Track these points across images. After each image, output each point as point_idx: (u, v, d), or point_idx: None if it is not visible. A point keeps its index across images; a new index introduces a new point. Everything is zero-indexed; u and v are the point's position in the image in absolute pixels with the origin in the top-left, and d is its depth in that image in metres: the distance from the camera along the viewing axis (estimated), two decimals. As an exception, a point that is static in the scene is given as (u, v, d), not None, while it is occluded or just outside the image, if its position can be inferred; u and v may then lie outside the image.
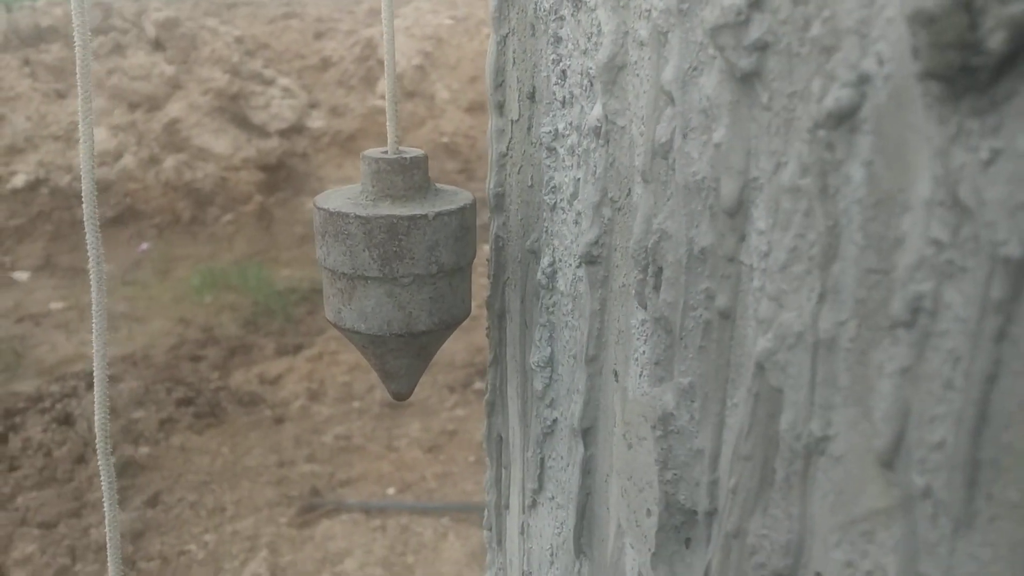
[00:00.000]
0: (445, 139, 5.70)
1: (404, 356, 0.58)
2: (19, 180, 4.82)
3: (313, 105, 5.84)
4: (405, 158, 0.56)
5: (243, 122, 5.43)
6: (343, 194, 0.57)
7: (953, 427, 0.27)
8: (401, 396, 0.60)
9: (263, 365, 3.69)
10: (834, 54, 0.30)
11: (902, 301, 0.28)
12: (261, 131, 5.45)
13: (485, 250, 0.65)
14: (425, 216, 0.54)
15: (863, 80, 0.29)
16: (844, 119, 0.30)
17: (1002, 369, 0.26)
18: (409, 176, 0.56)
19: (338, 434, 3.20)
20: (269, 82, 5.76)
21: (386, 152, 0.57)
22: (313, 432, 3.23)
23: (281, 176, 5.32)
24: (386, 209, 0.54)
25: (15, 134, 5.03)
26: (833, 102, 0.30)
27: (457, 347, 3.61)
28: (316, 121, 5.69)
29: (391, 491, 2.90)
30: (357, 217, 0.53)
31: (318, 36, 6.62)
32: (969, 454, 0.27)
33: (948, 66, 0.25)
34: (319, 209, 0.55)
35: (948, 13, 0.24)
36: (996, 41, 0.24)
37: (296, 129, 5.57)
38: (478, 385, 3.47)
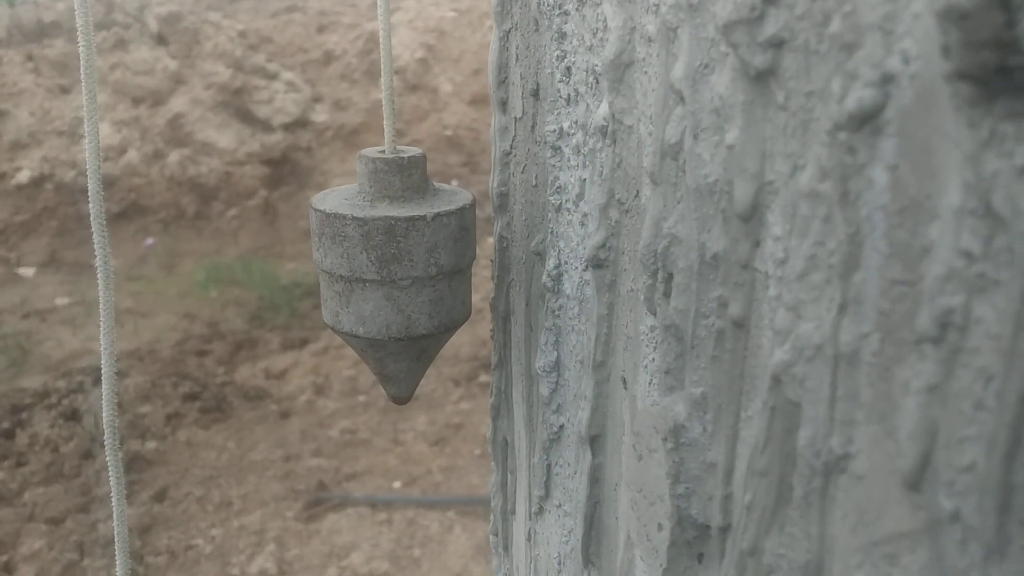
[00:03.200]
0: (448, 132, 5.67)
1: (403, 360, 0.56)
2: (23, 176, 4.81)
3: (317, 99, 5.82)
4: (403, 158, 0.54)
5: (247, 116, 5.41)
6: (340, 194, 0.56)
7: (984, 449, 0.26)
8: (401, 400, 0.59)
9: (269, 360, 3.68)
10: (855, 52, 0.29)
11: (929, 315, 0.27)
12: (265, 125, 5.43)
13: (489, 243, 0.63)
14: (423, 217, 0.52)
15: (887, 80, 0.28)
16: (866, 121, 0.28)
17: (1039, 390, 0.24)
18: (407, 176, 0.54)
19: (344, 428, 3.20)
20: (272, 76, 5.74)
21: (383, 151, 0.55)
22: (319, 426, 3.22)
23: (285, 170, 5.31)
24: (384, 210, 0.52)
25: (19, 130, 5.02)
26: (855, 103, 0.29)
27: (462, 340, 3.60)
28: (320, 115, 5.67)
29: (397, 485, 2.89)
30: (354, 219, 0.52)
31: (321, 30, 6.59)
32: (1002, 478, 0.26)
33: (982, 66, 0.23)
34: (315, 210, 0.54)
35: (983, 9, 0.23)
36: (1035, 40, 0.22)
37: (300, 123, 5.55)
38: (483, 378, 3.46)
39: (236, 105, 5.40)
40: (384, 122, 0.57)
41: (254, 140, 5.27)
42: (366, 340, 0.54)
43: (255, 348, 3.79)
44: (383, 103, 0.57)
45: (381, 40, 0.56)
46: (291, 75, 5.87)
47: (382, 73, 0.56)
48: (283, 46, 6.34)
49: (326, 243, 0.53)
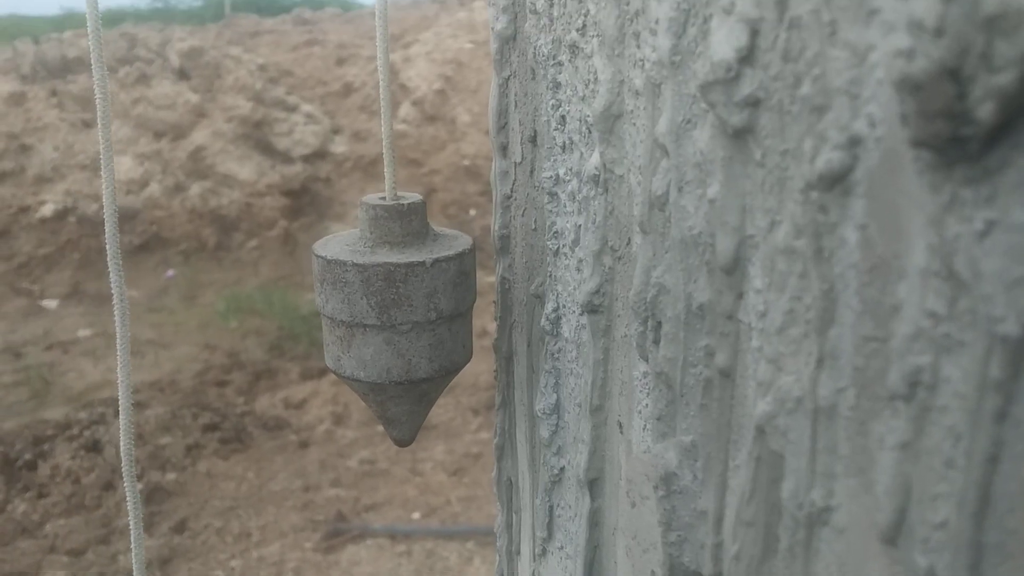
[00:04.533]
0: (467, 162, 5.71)
1: (405, 403, 0.57)
2: (47, 209, 4.89)
3: (336, 130, 5.89)
4: (403, 204, 0.55)
5: (267, 148, 5.48)
6: (342, 240, 0.57)
7: (956, 507, 0.26)
8: (403, 443, 0.59)
9: (288, 389, 3.70)
10: (825, 114, 0.29)
11: (899, 373, 0.27)
12: (285, 157, 5.49)
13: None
14: (423, 263, 0.53)
15: (854, 142, 0.28)
16: (836, 181, 0.29)
17: (1004, 451, 0.25)
18: (407, 222, 0.55)
19: (363, 458, 3.20)
20: (292, 108, 5.81)
21: (384, 198, 0.57)
22: (338, 456, 3.23)
23: (305, 201, 5.36)
24: (383, 256, 0.53)
25: (43, 164, 5.11)
26: (825, 164, 0.29)
27: (480, 368, 3.60)
28: (339, 146, 5.73)
29: (416, 515, 2.89)
30: (354, 265, 0.53)
31: (340, 62, 6.68)
32: (973, 536, 0.26)
33: (937, 136, 0.24)
34: (317, 256, 0.55)
35: (935, 81, 0.23)
36: (985, 112, 0.22)
37: (319, 154, 5.61)
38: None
39: (256, 137, 5.47)
40: (384, 169, 0.58)
41: (274, 172, 5.33)
42: (367, 384, 0.55)
43: (275, 378, 3.81)
44: (384, 151, 0.58)
45: (381, 91, 0.57)
46: (311, 107, 5.94)
47: (382, 122, 0.58)
48: (303, 79, 6.42)
49: (327, 289, 0.54)
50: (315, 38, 7.18)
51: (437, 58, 6.37)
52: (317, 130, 5.69)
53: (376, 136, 5.88)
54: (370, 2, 9.16)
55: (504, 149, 0.61)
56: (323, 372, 3.80)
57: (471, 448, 3.23)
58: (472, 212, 5.42)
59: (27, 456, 3.10)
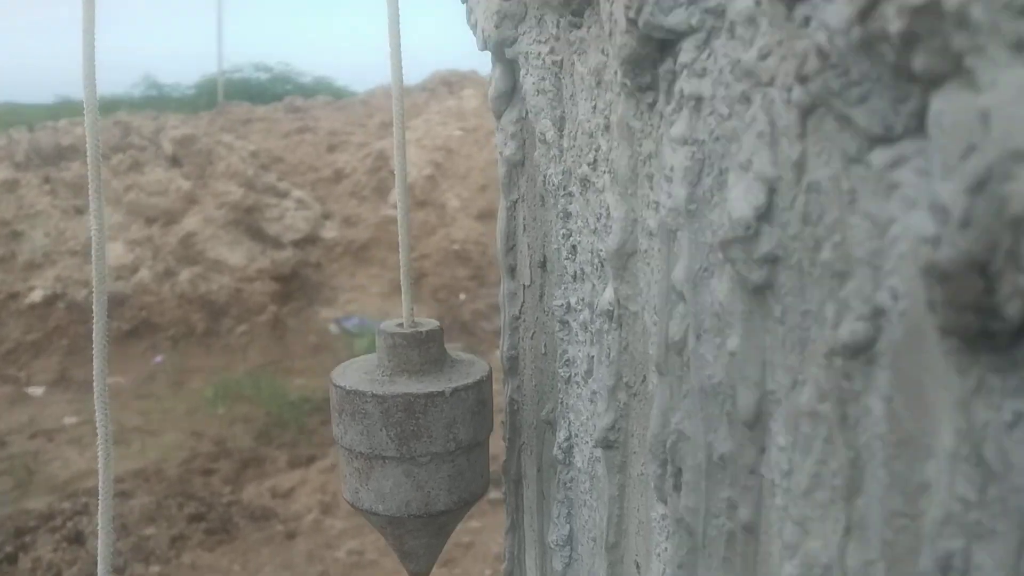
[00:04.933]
0: (456, 247, 5.76)
1: (423, 536, 0.56)
2: (37, 295, 4.87)
3: (326, 216, 5.94)
4: (421, 332, 0.56)
5: (257, 234, 5.52)
6: (360, 368, 0.57)
7: None
8: (420, 575, 0.59)
9: (276, 478, 3.64)
10: (847, 281, 0.30)
11: (931, 556, 0.27)
12: (275, 242, 5.52)
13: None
14: (442, 393, 0.53)
15: (877, 313, 0.29)
16: (860, 351, 0.29)
17: (1046, 645, 0.24)
18: (425, 350, 0.56)
19: (351, 549, 3.13)
20: (283, 194, 5.87)
21: (401, 325, 0.57)
22: (326, 547, 3.16)
23: (295, 286, 5.37)
24: (403, 386, 0.54)
25: (33, 250, 5.11)
26: (848, 334, 0.30)
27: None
28: (329, 232, 5.77)
29: (406, 610, 2.81)
30: (374, 396, 0.53)
31: (331, 149, 6.78)
32: None
33: (966, 327, 0.24)
34: (335, 386, 0.55)
35: (963, 272, 0.24)
36: (1014, 309, 0.23)
37: (310, 240, 5.65)
38: (493, 495, 3.40)
39: (247, 223, 5.50)
40: (403, 296, 0.59)
41: (264, 257, 5.35)
42: (385, 518, 0.55)
43: (262, 466, 3.75)
44: (401, 277, 0.59)
45: (400, 220, 0.58)
46: (301, 193, 6.00)
47: (400, 250, 0.58)
48: (294, 165, 6.51)
49: (346, 420, 0.54)
50: (306, 125, 7.29)
51: (427, 144, 6.48)
52: (308, 215, 5.74)
53: (367, 221, 5.93)
54: (361, 90, 9.34)
55: (512, 271, 0.62)
56: (311, 460, 3.75)
57: (462, 538, 3.17)
58: (462, 296, 5.44)
59: (8, 549, 3.02)
